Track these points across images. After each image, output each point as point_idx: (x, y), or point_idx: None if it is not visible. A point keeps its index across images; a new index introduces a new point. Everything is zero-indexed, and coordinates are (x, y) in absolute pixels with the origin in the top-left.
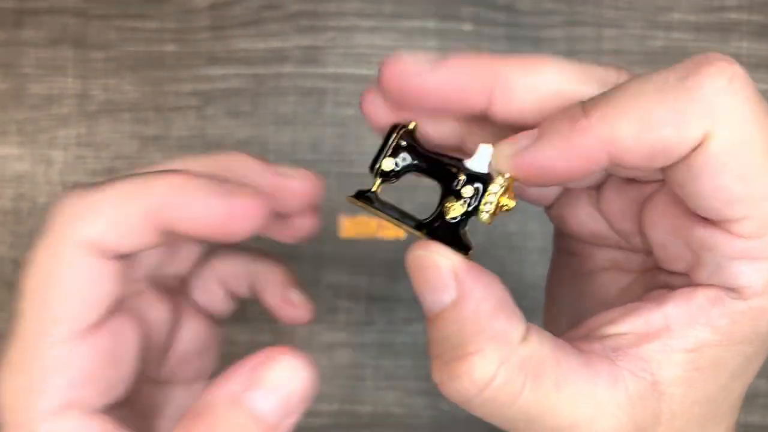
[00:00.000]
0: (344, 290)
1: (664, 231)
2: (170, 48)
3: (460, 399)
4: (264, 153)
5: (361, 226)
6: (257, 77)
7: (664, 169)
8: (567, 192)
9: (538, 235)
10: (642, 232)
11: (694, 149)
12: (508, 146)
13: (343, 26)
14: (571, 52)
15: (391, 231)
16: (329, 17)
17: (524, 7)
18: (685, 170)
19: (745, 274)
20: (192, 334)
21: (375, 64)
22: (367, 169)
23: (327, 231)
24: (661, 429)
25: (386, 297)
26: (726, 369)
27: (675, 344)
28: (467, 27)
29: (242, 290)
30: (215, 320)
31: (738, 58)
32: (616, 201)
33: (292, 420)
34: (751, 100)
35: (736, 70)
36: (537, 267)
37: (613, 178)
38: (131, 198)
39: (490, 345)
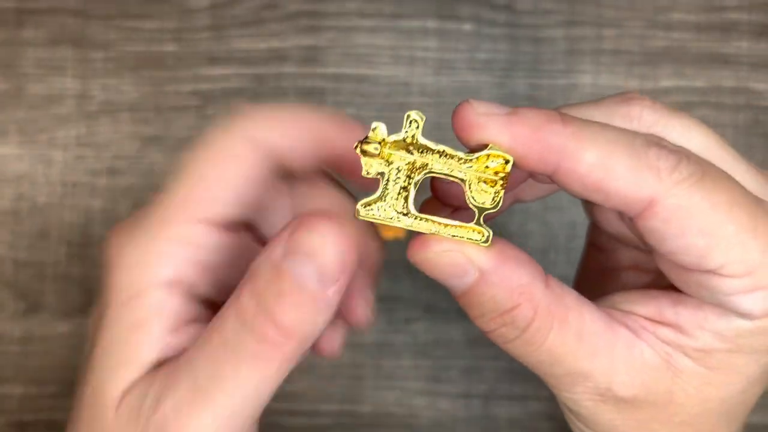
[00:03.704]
0: None
1: (664, 267)
2: (170, 48)
3: (503, 341)
4: None
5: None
6: (257, 77)
7: (635, 229)
8: None
9: (538, 235)
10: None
11: (645, 210)
12: (483, 104)
13: (343, 26)
14: (571, 51)
15: (391, 231)
16: (329, 17)
17: (524, 7)
18: (650, 233)
19: (746, 303)
20: None
21: (375, 64)
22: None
23: None
24: (673, 408)
25: (386, 297)
26: (742, 374)
27: (686, 341)
28: (467, 27)
29: None
30: None
31: (738, 58)
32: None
33: (335, 288)
34: (700, 166)
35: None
36: None
37: None
38: (303, 120)
39: (523, 299)
